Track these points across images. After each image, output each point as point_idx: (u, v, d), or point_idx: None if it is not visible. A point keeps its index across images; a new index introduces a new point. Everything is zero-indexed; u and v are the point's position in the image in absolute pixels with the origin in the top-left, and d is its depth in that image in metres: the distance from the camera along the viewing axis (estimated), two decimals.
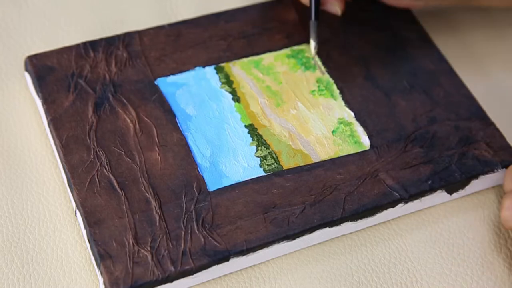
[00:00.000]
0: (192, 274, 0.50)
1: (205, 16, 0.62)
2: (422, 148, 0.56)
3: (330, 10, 0.60)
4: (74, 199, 0.53)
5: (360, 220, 0.54)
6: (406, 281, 0.53)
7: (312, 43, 0.60)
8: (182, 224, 0.51)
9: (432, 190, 0.55)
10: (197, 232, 0.51)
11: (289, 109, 0.58)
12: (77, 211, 0.52)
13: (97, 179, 0.53)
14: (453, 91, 0.60)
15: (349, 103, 0.58)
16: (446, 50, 0.63)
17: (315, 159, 0.55)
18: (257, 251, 0.51)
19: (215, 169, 0.54)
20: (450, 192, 0.56)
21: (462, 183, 0.56)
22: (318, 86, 0.59)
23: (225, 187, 0.53)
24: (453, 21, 0.67)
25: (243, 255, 0.51)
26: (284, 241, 0.52)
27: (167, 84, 0.58)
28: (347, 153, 0.56)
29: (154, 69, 0.59)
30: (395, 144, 0.57)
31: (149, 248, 0.50)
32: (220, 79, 0.59)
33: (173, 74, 0.59)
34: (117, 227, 0.51)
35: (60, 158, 0.54)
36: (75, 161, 0.54)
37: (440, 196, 0.56)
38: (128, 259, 0.50)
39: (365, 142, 0.57)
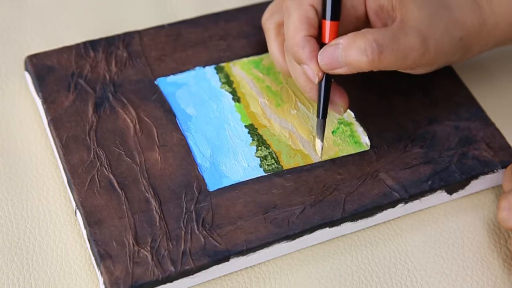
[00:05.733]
0: (192, 274, 0.50)
1: (205, 16, 0.62)
2: (422, 148, 0.56)
3: (333, 110, 0.55)
4: (74, 199, 0.53)
5: (360, 220, 0.54)
6: (406, 281, 0.53)
7: (319, 143, 0.55)
8: (182, 224, 0.51)
9: (432, 190, 0.55)
10: (197, 232, 0.51)
11: (289, 109, 0.58)
12: (77, 211, 0.52)
13: (97, 179, 0.53)
14: (453, 91, 0.60)
15: (349, 103, 0.58)
16: None
17: (315, 159, 0.55)
18: (257, 251, 0.51)
19: (215, 169, 0.54)
20: (450, 192, 0.56)
21: (462, 184, 0.56)
22: None
23: (225, 187, 0.53)
24: None
25: (243, 255, 0.51)
26: (284, 241, 0.52)
27: (167, 84, 0.58)
28: (347, 153, 0.56)
29: (154, 69, 0.59)
30: (395, 144, 0.57)
31: (149, 248, 0.50)
32: (220, 79, 0.59)
33: (173, 74, 0.59)
34: (117, 227, 0.51)
35: (60, 158, 0.54)
36: (75, 161, 0.54)
37: (440, 196, 0.56)
38: (128, 259, 0.50)
39: (365, 142, 0.57)
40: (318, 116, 0.54)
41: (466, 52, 0.55)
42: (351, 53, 0.51)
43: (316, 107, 0.55)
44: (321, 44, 0.53)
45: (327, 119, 0.57)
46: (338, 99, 0.55)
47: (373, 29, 0.52)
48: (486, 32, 0.55)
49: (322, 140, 0.55)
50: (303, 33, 0.53)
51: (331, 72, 0.53)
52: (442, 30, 0.53)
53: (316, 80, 0.53)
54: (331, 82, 0.54)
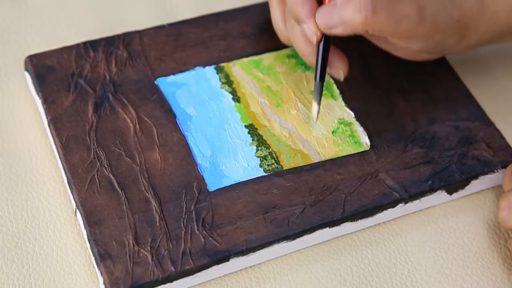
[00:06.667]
0: (192, 274, 0.50)
1: (205, 16, 0.62)
2: (422, 148, 0.57)
3: (333, 74, 0.56)
4: (74, 199, 0.53)
5: (360, 220, 0.54)
6: (406, 281, 0.53)
7: (315, 106, 0.55)
8: (182, 224, 0.51)
9: (432, 190, 0.55)
10: (197, 232, 0.51)
11: (289, 109, 0.58)
12: (77, 211, 0.52)
13: (97, 179, 0.53)
14: (453, 91, 0.60)
15: (349, 103, 0.58)
16: None
17: (315, 159, 0.55)
18: (257, 251, 0.51)
19: (215, 169, 0.54)
20: (450, 192, 0.56)
21: (462, 184, 0.56)
22: None
23: (225, 187, 0.53)
24: None
25: (243, 255, 0.51)
26: (284, 241, 0.52)
27: (167, 84, 0.58)
28: (347, 153, 0.56)
29: (154, 69, 0.59)
30: (395, 144, 0.57)
31: (149, 248, 0.50)
32: (220, 79, 0.59)
33: (173, 74, 0.59)
34: (117, 227, 0.51)
35: (60, 158, 0.54)
36: (75, 161, 0.54)
37: (440, 196, 0.56)
38: (128, 259, 0.50)
39: (365, 142, 0.57)
40: (315, 79, 0.55)
41: (463, 37, 0.55)
42: (346, 11, 0.52)
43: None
44: (320, 5, 0.54)
45: (327, 120, 0.57)
46: (338, 61, 0.55)
47: None
48: (484, 19, 0.55)
49: (319, 104, 0.55)
50: None
51: (328, 32, 0.53)
52: (439, 4, 0.53)
53: (315, 40, 0.54)
54: (329, 44, 0.54)
